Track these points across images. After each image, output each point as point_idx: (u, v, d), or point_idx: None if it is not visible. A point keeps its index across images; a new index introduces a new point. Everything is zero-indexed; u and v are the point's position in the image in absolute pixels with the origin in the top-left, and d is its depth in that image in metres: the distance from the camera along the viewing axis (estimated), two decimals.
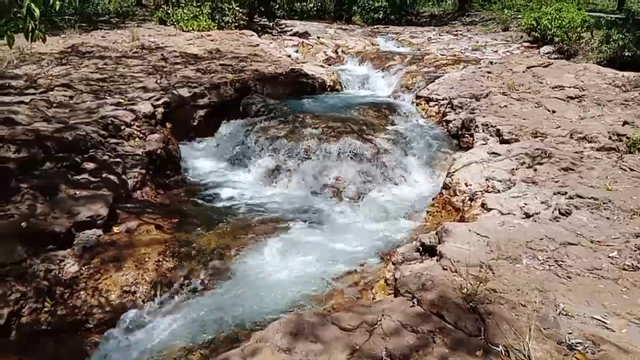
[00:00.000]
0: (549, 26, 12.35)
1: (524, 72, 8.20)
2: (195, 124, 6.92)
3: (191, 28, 11.61)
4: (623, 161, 4.51)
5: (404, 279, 2.92)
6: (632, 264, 2.89)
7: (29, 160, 4.38)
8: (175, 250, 4.05)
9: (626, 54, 10.18)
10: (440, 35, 16.01)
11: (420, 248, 3.48)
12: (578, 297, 2.59)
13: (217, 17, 12.24)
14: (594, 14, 12.66)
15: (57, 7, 3.50)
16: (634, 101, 6.30)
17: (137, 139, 5.54)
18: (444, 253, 3.08)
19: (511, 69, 8.41)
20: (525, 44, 13.31)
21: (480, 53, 12.27)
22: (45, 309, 3.28)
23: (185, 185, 5.66)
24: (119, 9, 14.07)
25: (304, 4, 21.16)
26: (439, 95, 7.76)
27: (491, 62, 9.26)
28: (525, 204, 3.88)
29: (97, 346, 3.20)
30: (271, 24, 15.42)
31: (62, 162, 4.56)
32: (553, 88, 7.13)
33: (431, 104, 7.80)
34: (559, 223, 3.46)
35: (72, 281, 3.51)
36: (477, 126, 6.00)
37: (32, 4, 3.21)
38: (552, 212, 3.68)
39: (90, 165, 4.67)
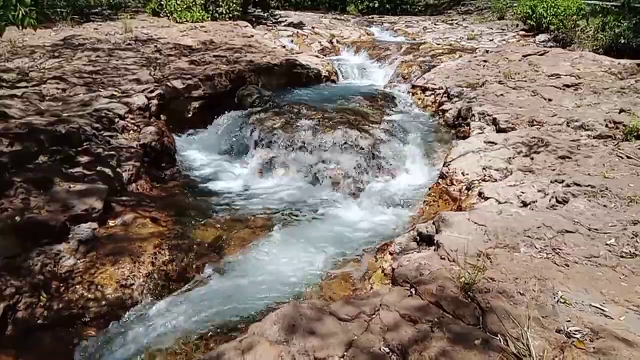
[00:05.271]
0: (545, 14, 12.30)
1: (519, 60, 8.17)
2: (189, 115, 6.88)
3: (184, 19, 11.51)
4: (620, 149, 4.49)
5: (402, 269, 2.91)
6: (630, 251, 2.88)
7: (23, 154, 4.34)
8: (171, 243, 4.01)
9: (622, 41, 10.13)
10: (435, 24, 15.94)
11: (418, 238, 3.46)
12: (576, 285, 2.58)
13: (210, 8, 12.13)
14: (589, 1, 12.59)
15: None
16: (630, 89, 6.28)
17: (131, 132, 5.49)
18: (441, 242, 3.07)
19: (507, 58, 8.37)
20: (521, 33, 13.27)
21: (475, 42, 12.23)
22: (41, 304, 3.25)
23: (180, 178, 5.62)
24: (111, 0, 13.90)
25: None
26: (435, 84, 7.73)
27: (487, 51, 9.24)
28: (523, 193, 3.86)
29: (94, 340, 3.18)
30: (265, 14, 15.30)
31: (55, 155, 4.53)
32: (549, 76, 7.11)
33: (427, 93, 7.76)
34: (557, 211, 3.44)
35: (68, 275, 3.49)
36: (473, 115, 5.98)
37: None
38: (550, 201, 3.67)
39: (84, 159, 4.63)
